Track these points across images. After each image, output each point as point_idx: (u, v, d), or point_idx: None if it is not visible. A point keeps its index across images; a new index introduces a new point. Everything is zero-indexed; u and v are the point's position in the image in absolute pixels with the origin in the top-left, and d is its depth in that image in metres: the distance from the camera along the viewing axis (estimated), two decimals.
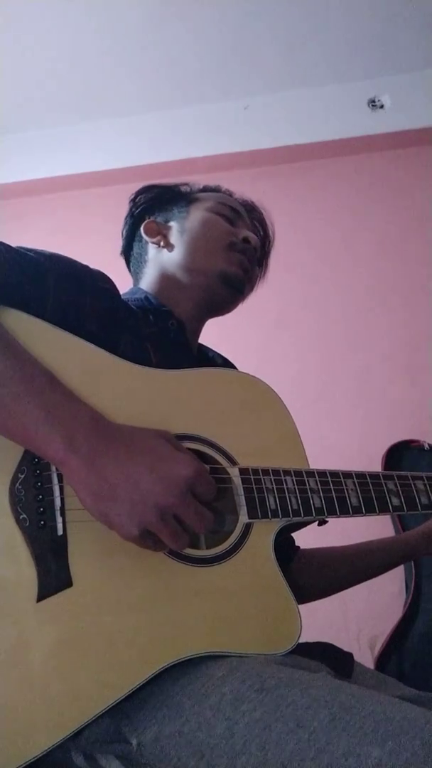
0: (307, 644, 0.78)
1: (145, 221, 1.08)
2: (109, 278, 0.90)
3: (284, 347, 2.38)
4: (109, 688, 0.62)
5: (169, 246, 1.03)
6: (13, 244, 0.79)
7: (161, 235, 1.05)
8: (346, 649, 0.85)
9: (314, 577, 1.02)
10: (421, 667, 1.78)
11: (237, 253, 1.01)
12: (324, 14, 2.29)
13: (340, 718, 0.55)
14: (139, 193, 1.13)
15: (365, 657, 1.84)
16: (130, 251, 1.12)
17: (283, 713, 0.57)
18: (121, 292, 0.96)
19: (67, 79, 2.48)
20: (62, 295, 0.78)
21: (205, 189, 1.12)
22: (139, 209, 1.11)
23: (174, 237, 1.04)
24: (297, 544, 1.05)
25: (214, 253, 1.00)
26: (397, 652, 1.83)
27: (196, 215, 1.04)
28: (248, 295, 1.09)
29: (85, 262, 0.87)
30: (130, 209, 1.12)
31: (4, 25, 2.25)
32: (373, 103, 2.56)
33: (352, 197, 2.58)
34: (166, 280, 1.02)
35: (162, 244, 1.04)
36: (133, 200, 1.12)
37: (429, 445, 2.09)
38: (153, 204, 1.11)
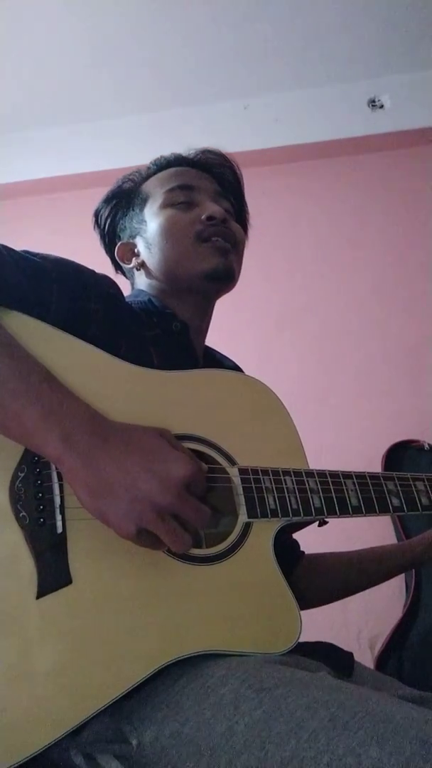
0: (307, 644, 0.78)
1: (116, 247, 1.06)
2: (114, 282, 0.90)
3: (285, 347, 2.38)
4: (108, 686, 0.62)
5: (144, 267, 1.01)
6: (14, 244, 0.79)
7: (134, 256, 1.03)
8: (346, 649, 0.85)
9: (318, 582, 1.01)
10: (421, 667, 1.77)
11: (206, 242, 0.95)
12: (324, 14, 2.29)
13: (340, 717, 0.55)
14: (97, 213, 1.10)
15: (365, 657, 1.84)
16: (120, 270, 1.11)
17: (282, 713, 0.57)
18: (125, 294, 0.96)
19: (67, 79, 2.48)
20: (65, 301, 0.78)
21: (150, 172, 1.06)
22: (106, 228, 1.09)
23: (144, 254, 1.01)
24: (302, 548, 1.05)
25: (186, 257, 0.96)
26: (397, 652, 1.83)
27: (152, 223, 1.00)
28: (242, 255, 1.03)
29: (85, 262, 0.87)
30: (100, 234, 1.10)
31: (4, 25, 2.26)
32: (373, 103, 2.56)
33: (352, 197, 2.58)
34: (158, 290, 1.00)
35: (138, 267, 1.03)
36: (96, 223, 1.10)
37: (429, 445, 2.09)
38: (115, 220, 1.08)
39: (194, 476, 0.66)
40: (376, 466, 2.09)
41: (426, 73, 2.54)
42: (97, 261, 0.91)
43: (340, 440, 2.15)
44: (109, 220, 1.09)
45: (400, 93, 2.54)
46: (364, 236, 2.52)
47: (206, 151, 1.08)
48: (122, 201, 1.07)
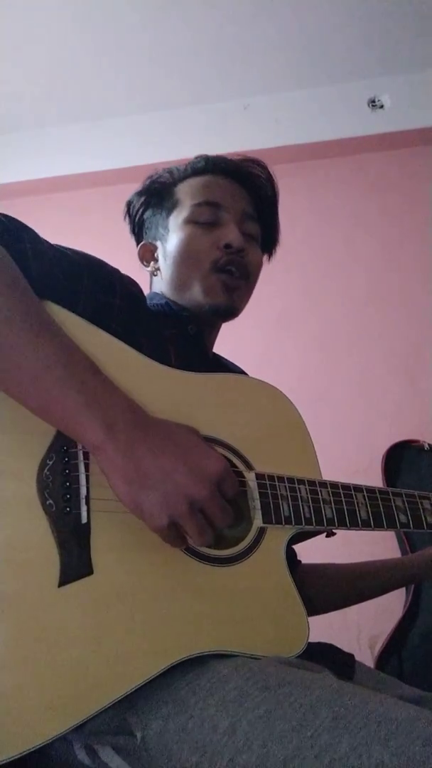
0: (308, 645, 0.78)
1: (139, 245, 1.07)
2: (136, 282, 0.91)
3: (285, 347, 2.38)
4: (121, 679, 0.62)
5: (161, 273, 1.02)
6: None
7: (153, 260, 1.04)
8: (346, 649, 0.85)
9: (315, 592, 1.00)
10: (421, 667, 1.78)
11: (220, 273, 0.96)
12: (324, 14, 2.29)
13: (343, 717, 0.55)
14: (129, 204, 1.10)
15: (365, 657, 1.84)
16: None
17: (285, 712, 0.57)
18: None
19: (68, 78, 2.48)
20: (94, 295, 0.80)
21: (186, 174, 1.04)
22: (136, 221, 1.09)
23: (161, 263, 1.02)
24: (299, 556, 1.05)
25: (195, 284, 0.96)
26: (397, 652, 1.83)
27: (174, 236, 0.99)
28: (255, 283, 1.03)
29: None
30: (130, 224, 1.11)
31: (4, 24, 2.26)
32: (373, 103, 2.56)
33: (352, 197, 2.58)
34: (171, 298, 1.01)
35: (155, 272, 1.04)
36: (127, 212, 1.10)
37: (429, 445, 2.09)
38: (144, 216, 1.08)
39: (226, 473, 0.67)
40: (376, 466, 2.09)
41: (426, 73, 2.54)
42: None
43: (340, 440, 2.15)
44: (138, 214, 1.09)
45: (400, 93, 2.54)
46: (363, 236, 2.52)
47: (247, 161, 1.06)
48: (154, 199, 1.06)
